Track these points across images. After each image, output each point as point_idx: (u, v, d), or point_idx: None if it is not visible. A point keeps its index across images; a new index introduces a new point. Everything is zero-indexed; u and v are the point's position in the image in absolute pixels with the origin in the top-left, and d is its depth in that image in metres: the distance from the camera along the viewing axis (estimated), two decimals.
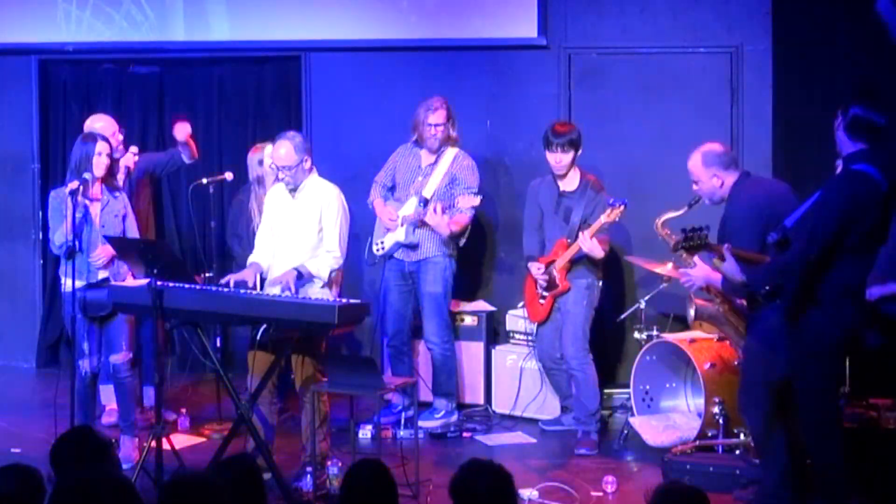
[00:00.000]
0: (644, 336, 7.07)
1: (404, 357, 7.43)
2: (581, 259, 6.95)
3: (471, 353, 7.69)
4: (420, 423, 6.73)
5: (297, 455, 6.29)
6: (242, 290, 5.98)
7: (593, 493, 6.01)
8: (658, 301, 7.24)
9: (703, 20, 8.02)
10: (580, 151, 6.98)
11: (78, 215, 6.17)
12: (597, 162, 7.62)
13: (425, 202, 7.16)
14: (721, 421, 6.44)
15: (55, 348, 8.87)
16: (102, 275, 6.39)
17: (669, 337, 6.99)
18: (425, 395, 7.37)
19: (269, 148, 6.89)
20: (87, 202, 6.30)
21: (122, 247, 6.23)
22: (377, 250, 7.34)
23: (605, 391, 7.55)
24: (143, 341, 7.22)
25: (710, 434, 6.51)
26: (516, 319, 7.64)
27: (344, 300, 5.97)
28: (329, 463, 5.94)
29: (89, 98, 8.94)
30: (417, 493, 5.90)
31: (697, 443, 6.46)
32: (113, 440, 5.93)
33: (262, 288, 6.16)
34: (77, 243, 6.21)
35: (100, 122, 7.01)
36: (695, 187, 5.73)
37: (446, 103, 7.23)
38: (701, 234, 5.23)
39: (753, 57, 7.94)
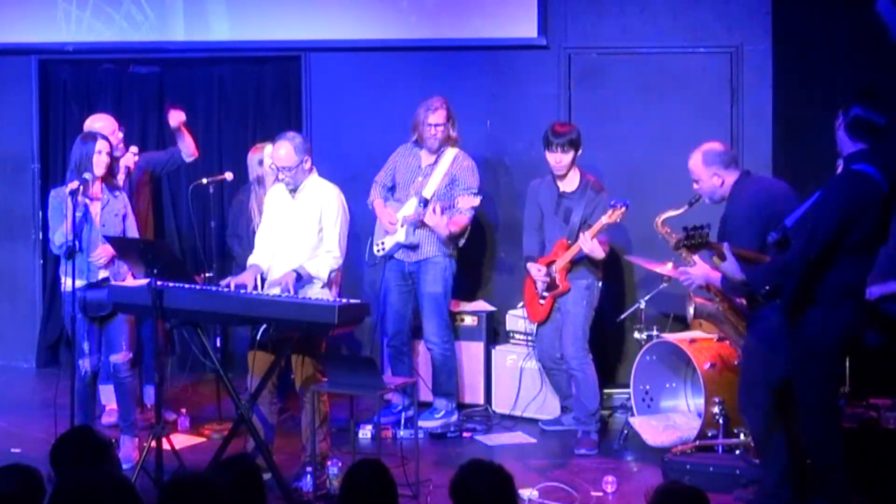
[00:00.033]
0: (644, 336, 7.07)
1: (404, 357, 7.43)
2: (581, 259, 6.95)
3: (471, 353, 7.69)
4: (420, 423, 6.73)
5: (297, 455, 6.29)
6: (242, 291, 5.98)
7: (593, 493, 6.01)
8: (658, 301, 7.24)
9: (703, 20, 8.02)
10: (580, 151, 6.98)
11: (78, 215, 6.17)
12: (597, 162, 7.62)
13: (425, 203, 7.16)
14: (721, 421, 6.44)
15: (55, 348, 8.87)
16: (103, 274, 6.39)
17: (669, 337, 6.99)
18: (425, 395, 7.36)
19: (268, 148, 6.89)
20: (87, 201, 6.29)
21: (122, 247, 6.23)
22: (378, 251, 7.34)
23: (605, 391, 7.55)
24: (143, 341, 7.23)
25: (710, 434, 6.51)
26: (516, 319, 7.64)
27: (344, 300, 5.97)
28: (329, 463, 5.94)
29: (89, 98, 8.95)
30: (417, 493, 5.90)
31: (697, 443, 6.46)
32: (113, 440, 5.93)
33: (262, 289, 6.16)
34: (77, 243, 6.21)
35: (100, 122, 7.01)
36: (695, 186, 5.73)
37: (446, 103, 7.23)
38: (702, 232, 5.23)
39: (753, 57, 7.94)
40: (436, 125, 7.18)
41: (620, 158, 8.00)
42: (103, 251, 6.31)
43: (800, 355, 5.22)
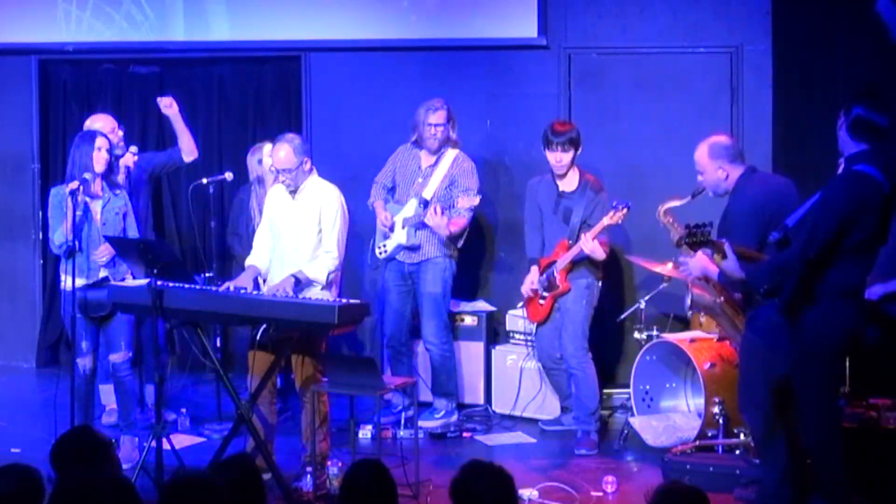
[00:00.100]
0: (644, 336, 7.07)
1: (403, 358, 7.43)
2: (582, 259, 6.95)
3: (471, 353, 7.68)
4: (420, 423, 6.73)
5: (297, 455, 6.29)
6: (242, 291, 5.98)
7: (593, 493, 6.01)
8: (658, 301, 7.25)
9: (703, 20, 8.02)
10: (580, 150, 6.98)
11: (78, 214, 6.17)
12: (597, 162, 7.62)
13: (425, 204, 7.16)
14: (721, 421, 6.44)
15: (55, 348, 8.88)
16: (103, 273, 6.39)
17: (669, 337, 6.99)
18: (425, 395, 7.37)
19: (268, 147, 6.90)
20: (87, 199, 6.29)
21: (122, 247, 6.23)
22: (380, 253, 7.34)
23: (605, 391, 7.55)
24: (143, 341, 7.23)
25: (710, 434, 6.51)
26: (516, 319, 7.64)
27: (344, 300, 5.98)
28: (329, 463, 5.95)
29: (89, 98, 8.95)
30: (417, 493, 5.90)
31: (697, 443, 6.46)
32: (113, 440, 5.92)
33: (259, 289, 6.16)
34: (77, 243, 6.21)
35: (99, 122, 7.00)
36: (700, 178, 5.72)
37: (447, 104, 7.24)
38: (704, 230, 5.23)
39: (753, 57, 7.94)
40: (436, 125, 7.18)
41: (620, 158, 8.01)
42: (105, 249, 6.31)
43: (800, 355, 5.22)
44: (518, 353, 7.56)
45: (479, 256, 8.20)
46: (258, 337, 5.90)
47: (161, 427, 5.86)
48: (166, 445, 5.87)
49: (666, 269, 6.88)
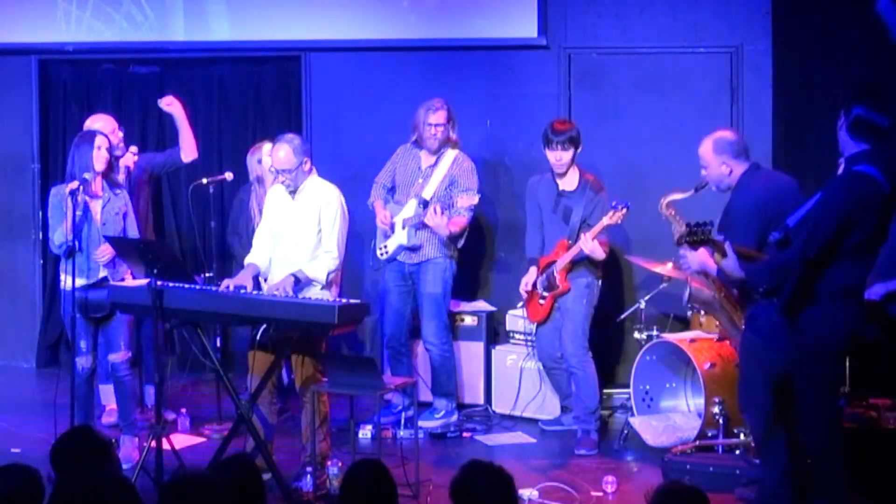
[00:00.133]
0: (644, 336, 7.07)
1: (402, 358, 7.43)
2: (582, 259, 6.95)
3: (471, 353, 7.69)
4: (420, 423, 6.73)
5: (297, 455, 6.28)
6: (242, 291, 5.98)
7: (593, 493, 6.01)
8: (658, 301, 7.25)
9: (703, 20, 8.02)
10: (580, 149, 6.98)
11: (78, 214, 6.17)
12: (597, 162, 7.63)
13: (425, 204, 7.16)
14: (721, 421, 6.44)
15: (55, 348, 8.88)
16: (102, 274, 6.39)
17: (669, 337, 6.99)
18: (425, 395, 7.37)
19: (267, 146, 6.90)
20: (87, 199, 6.29)
21: (122, 247, 6.22)
22: (381, 255, 7.34)
23: (605, 391, 7.55)
24: (143, 341, 7.23)
25: (710, 434, 6.51)
26: (516, 319, 7.64)
27: (344, 300, 5.97)
28: (329, 463, 5.94)
29: (89, 98, 8.94)
30: (417, 493, 5.90)
31: (697, 443, 6.46)
32: (113, 440, 5.93)
33: (257, 288, 6.16)
34: (77, 243, 6.21)
35: (99, 122, 7.00)
36: (703, 172, 5.71)
37: (447, 105, 7.24)
38: (705, 229, 5.23)
39: (753, 57, 7.94)
40: (436, 125, 7.18)
41: (620, 158, 8.01)
42: (106, 249, 6.30)
43: (799, 355, 5.22)
44: (518, 353, 7.56)
45: (479, 256, 8.20)
46: (258, 337, 5.90)
47: (161, 427, 5.86)
48: (166, 445, 5.87)
49: (666, 269, 6.88)
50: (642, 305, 7.16)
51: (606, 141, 7.92)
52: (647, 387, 7.04)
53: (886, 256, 5.48)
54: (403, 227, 7.23)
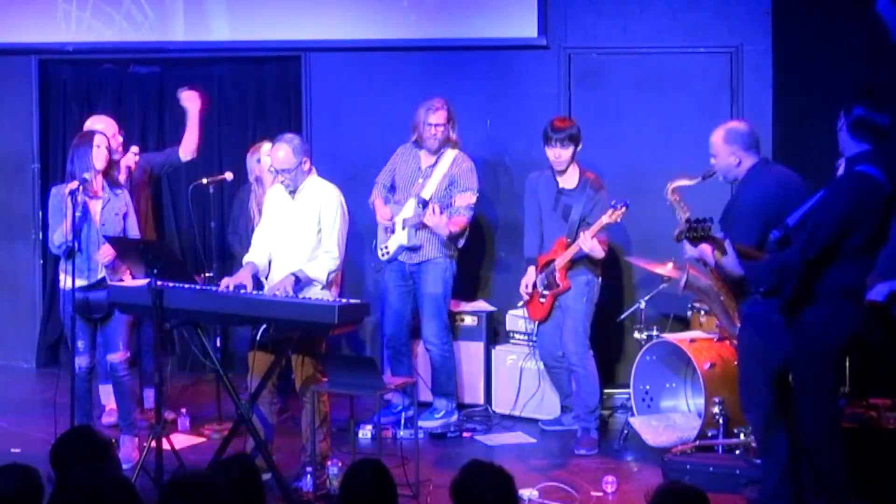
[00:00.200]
0: (644, 336, 7.07)
1: (403, 358, 7.43)
2: (581, 258, 6.95)
3: (471, 353, 7.69)
4: (420, 423, 6.74)
5: (297, 455, 6.28)
6: (242, 291, 5.98)
7: (593, 493, 6.01)
8: (658, 301, 7.25)
9: (703, 20, 8.02)
10: (580, 147, 6.98)
11: (77, 214, 6.17)
12: (597, 161, 7.62)
13: (424, 204, 7.17)
14: (721, 421, 6.44)
15: (55, 348, 8.88)
16: (101, 274, 6.38)
17: (669, 337, 6.99)
18: (425, 395, 7.37)
19: (266, 146, 6.90)
20: (86, 200, 6.29)
21: (122, 247, 6.22)
22: (382, 255, 7.34)
23: (605, 391, 7.55)
24: (143, 342, 7.23)
25: (710, 434, 6.51)
26: (516, 319, 7.64)
27: (344, 300, 5.97)
28: (329, 463, 5.94)
29: (89, 98, 8.95)
30: (417, 493, 5.90)
31: (697, 443, 6.46)
32: (113, 440, 5.93)
33: (258, 287, 6.16)
34: (76, 243, 6.21)
35: (100, 124, 7.00)
36: (712, 161, 5.70)
37: (447, 104, 7.24)
38: (705, 225, 5.22)
39: (753, 57, 7.94)
40: (436, 125, 7.18)
41: (620, 158, 8.01)
42: (107, 251, 6.30)
43: (799, 355, 5.22)
44: (518, 353, 7.56)
45: (479, 256, 8.20)
46: (258, 337, 5.90)
47: (161, 427, 5.86)
48: (166, 445, 5.87)
49: (665, 269, 6.88)
50: (642, 305, 7.16)
51: (606, 141, 7.92)
52: (647, 387, 7.04)
53: (888, 257, 5.48)
54: (403, 228, 7.23)
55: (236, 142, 8.66)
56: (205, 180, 7.35)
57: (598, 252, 6.87)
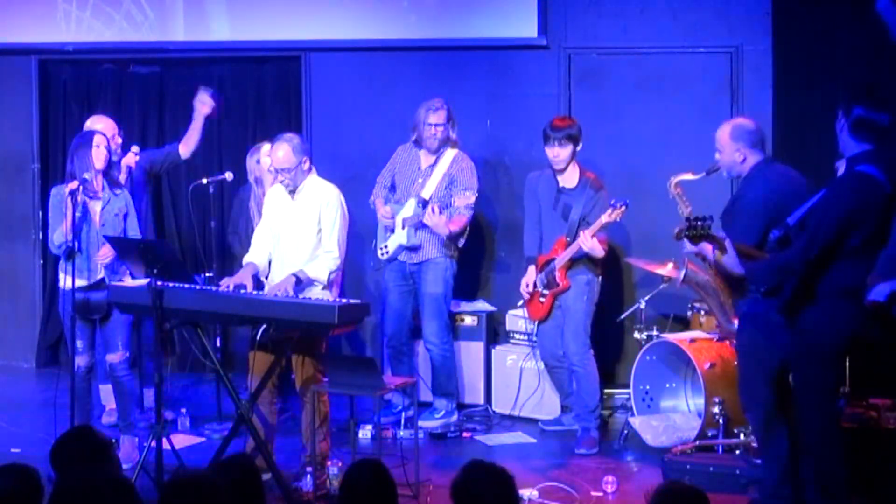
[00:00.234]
0: (644, 336, 7.07)
1: (403, 357, 7.43)
2: (581, 257, 6.95)
3: (471, 353, 7.68)
4: (420, 423, 6.73)
5: (297, 455, 6.28)
6: (242, 291, 5.97)
7: (593, 493, 6.01)
8: (658, 301, 7.25)
9: (703, 20, 8.02)
10: (579, 147, 6.97)
11: (77, 214, 6.16)
12: (597, 161, 7.62)
13: (424, 203, 7.17)
14: (721, 421, 6.44)
15: (55, 348, 8.88)
16: (101, 274, 6.38)
17: (669, 337, 6.99)
18: (425, 395, 7.37)
19: (266, 147, 6.90)
20: (86, 200, 6.29)
21: (122, 247, 6.22)
22: (382, 255, 7.34)
23: (605, 391, 7.55)
24: (143, 341, 7.23)
25: (710, 434, 6.51)
26: (516, 319, 7.64)
27: (344, 300, 5.98)
28: (329, 463, 5.95)
29: (89, 98, 8.95)
30: (417, 493, 5.90)
31: (697, 443, 6.46)
32: (113, 440, 5.93)
33: (258, 287, 6.16)
34: (76, 243, 6.21)
35: (100, 124, 7.00)
36: (717, 156, 5.69)
37: (447, 104, 7.24)
38: (705, 224, 5.22)
39: (753, 57, 7.95)
40: (436, 125, 7.18)
41: (620, 158, 8.01)
42: (108, 251, 6.29)
43: (799, 355, 5.22)
44: (518, 353, 7.56)
45: (479, 256, 8.20)
46: (258, 337, 5.90)
47: (161, 427, 5.86)
48: (166, 445, 5.87)
49: (665, 270, 6.88)
50: (642, 305, 7.16)
51: (606, 141, 7.92)
52: (647, 387, 7.04)
53: (889, 257, 5.47)
54: (403, 227, 7.23)
55: (236, 142, 8.66)
56: (205, 180, 7.35)
57: (598, 251, 6.87)
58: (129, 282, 6.27)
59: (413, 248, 7.24)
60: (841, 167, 5.58)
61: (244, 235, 7.09)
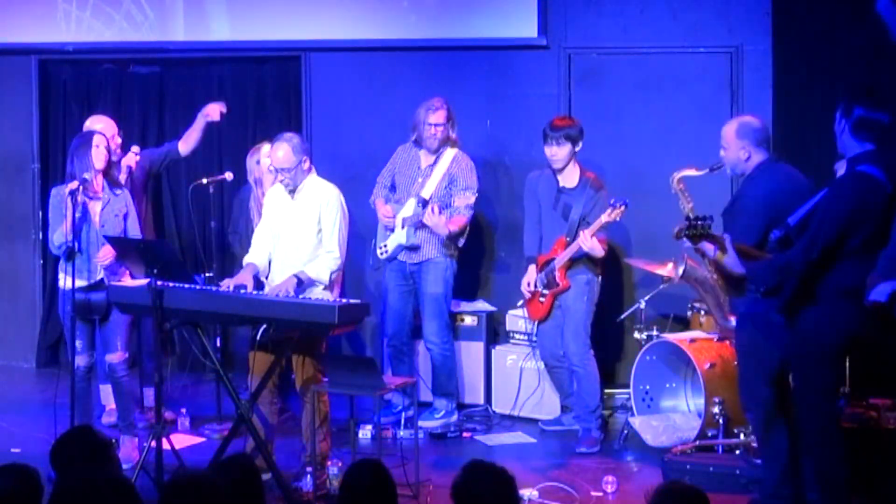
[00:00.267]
0: (644, 336, 7.07)
1: (404, 357, 7.43)
2: (581, 257, 6.95)
3: (471, 353, 7.68)
4: (420, 423, 6.73)
5: (297, 455, 6.28)
6: (242, 291, 5.97)
7: (593, 493, 6.01)
8: (658, 301, 7.25)
9: (703, 20, 8.02)
10: (578, 147, 6.96)
11: (77, 215, 6.16)
12: (597, 161, 7.62)
13: (424, 203, 7.17)
14: (721, 421, 6.44)
15: (55, 348, 8.88)
16: (101, 275, 6.37)
17: (669, 337, 6.99)
18: (425, 395, 7.37)
19: (266, 147, 6.90)
20: (86, 200, 6.29)
21: (122, 247, 6.22)
22: (381, 254, 7.34)
23: (606, 391, 7.55)
24: (143, 341, 7.23)
25: (710, 434, 6.51)
26: (516, 319, 7.64)
27: (344, 300, 5.98)
28: (329, 463, 5.95)
29: (89, 98, 8.95)
30: (417, 493, 5.90)
31: (697, 443, 6.46)
32: (113, 440, 5.92)
33: (258, 287, 6.16)
34: (76, 244, 6.21)
35: (100, 124, 7.00)
36: (722, 153, 5.69)
37: (447, 104, 7.24)
38: (704, 223, 5.22)
39: (753, 57, 7.94)
40: (435, 125, 7.18)
41: (620, 158, 8.00)
42: (107, 252, 6.29)
43: (799, 355, 5.22)
44: (518, 353, 7.56)
45: (479, 256, 8.20)
46: (258, 337, 5.90)
47: (161, 427, 5.86)
48: (166, 445, 5.87)
49: (665, 270, 6.88)
50: (642, 305, 7.16)
51: (606, 141, 7.91)
52: (647, 387, 7.04)
53: (890, 257, 5.47)
54: (403, 226, 7.23)
55: (236, 142, 8.66)
56: (205, 180, 7.35)
57: (598, 251, 6.87)
58: (128, 282, 6.27)
59: (413, 248, 7.24)
60: (840, 168, 5.59)
61: (244, 235, 7.09)
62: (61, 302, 6.46)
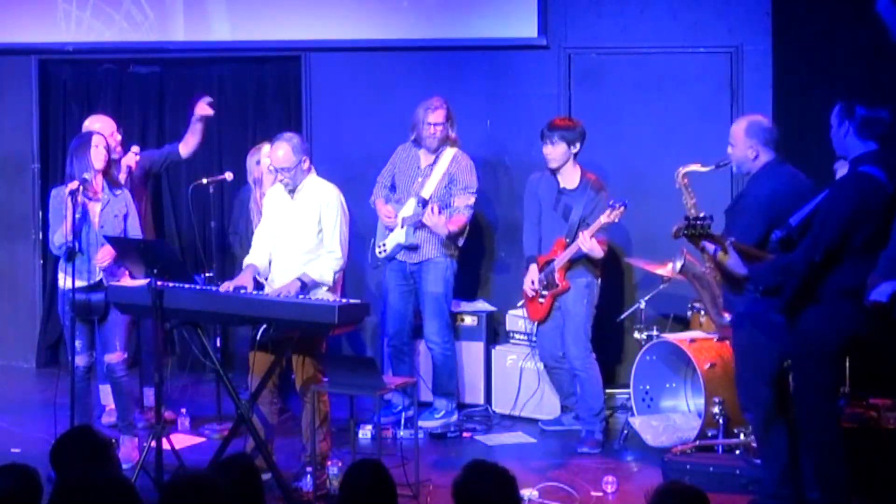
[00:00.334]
0: (644, 336, 7.07)
1: (405, 357, 7.43)
2: (580, 258, 6.95)
3: (471, 353, 7.68)
4: (420, 423, 6.73)
5: (297, 455, 6.28)
6: (242, 291, 5.97)
7: (593, 493, 6.01)
8: (658, 301, 7.25)
9: (703, 20, 8.02)
10: (576, 148, 6.95)
11: (77, 215, 6.16)
12: (597, 161, 7.61)
13: (424, 203, 7.17)
14: (721, 421, 6.44)
15: (55, 348, 8.87)
16: (101, 276, 6.37)
17: (669, 337, 6.99)
18: (425, 395, 7.37)
19: (266, 148, 6.90)
20: (86, 201, 6.29)
21: (122, 247, 6.22)
22: (380, 253, 7.34)
23: (606, 391, 7.54)
24: (143, 342, 7.23)
25: (710, 434, 6.51)
26: (516, 319, 7.64)
27: (344, 300, 5.97)
28: (329, 463, 5.95)
29: (89, 98, 8.95)
30: (417, 493, 5.90)
31: (697, 443, 6.46)
32: (113, 440, 5.92)
33: (258, 287, 6.16)
34: (76, 244, 6.21)
35: (98, 123, 7.00)
36: (729, 150, 5.69)
37: (446, 103, 7.24)
38: (704, 223, 5.22)
39: (753, 57, 7.94)
40: (435, 125, 7.18)
41: (620, 158, 8.00)
42: (106, 253, 6.29)
43: (799, 355, 5.22)
44: (518, 353, 7.56)
45: (479, 256, 8.20)
46: (258, 337, 5.90)
47: (161, 427, 5.86)
48: (166, 445, 5.87)
49: (665, 270, 6.87)
50: (642, 305, 7.16)
51: (606, 141, 7.91)
52: (647, 387, 7.04)
53: (891, 257, 5.47)
54: (402, 226, 7.23)
55: (236, 142, 8.66)
56: (205, 180, 7.35)
57: (597, 252, 6.87)
58: (128, 282, 6.27)
59: (412, 248, 7.24)
60: (839, 169, 5.59)
61: (244, 236, 7.09)
62: (61, 302, 6.46)
